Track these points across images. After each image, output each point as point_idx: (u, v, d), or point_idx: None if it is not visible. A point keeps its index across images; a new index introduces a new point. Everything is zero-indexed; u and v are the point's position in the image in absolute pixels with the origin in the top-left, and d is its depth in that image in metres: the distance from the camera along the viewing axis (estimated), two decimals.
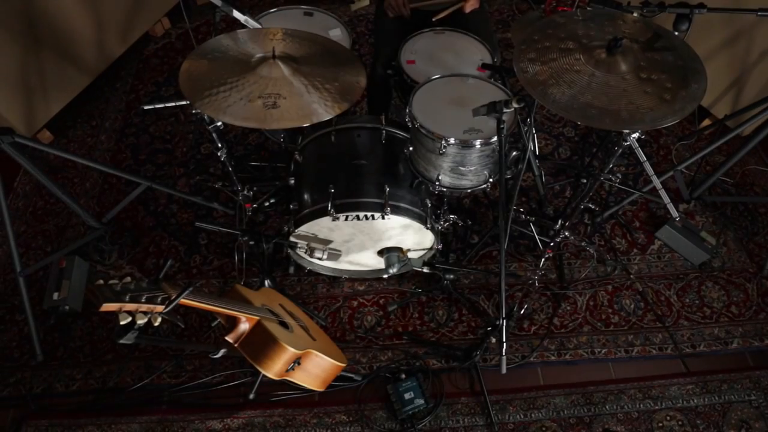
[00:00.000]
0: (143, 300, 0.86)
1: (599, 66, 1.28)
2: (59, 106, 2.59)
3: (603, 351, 1.97)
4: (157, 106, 1.62)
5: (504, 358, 1.54)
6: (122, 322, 0.83)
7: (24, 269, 1.82)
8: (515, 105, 1.19)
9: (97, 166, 1.87)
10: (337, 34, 1.99)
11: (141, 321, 0.87)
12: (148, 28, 3.04)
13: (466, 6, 1.99)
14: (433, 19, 2.02)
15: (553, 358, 1.96)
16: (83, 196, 2.44)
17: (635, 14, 1.49)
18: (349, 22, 3.28)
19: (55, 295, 1.97)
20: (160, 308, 0.89)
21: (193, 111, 1.59)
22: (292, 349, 1.30)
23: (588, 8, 1.58)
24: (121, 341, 0.90)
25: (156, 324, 0.89)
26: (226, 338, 1.26)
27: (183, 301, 0.93)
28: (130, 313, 0.85)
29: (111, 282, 0.85)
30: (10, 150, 1.57)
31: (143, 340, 0.97)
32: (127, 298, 0.84)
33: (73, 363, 1.96)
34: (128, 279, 0.89)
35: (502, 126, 1.26)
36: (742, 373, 1.90)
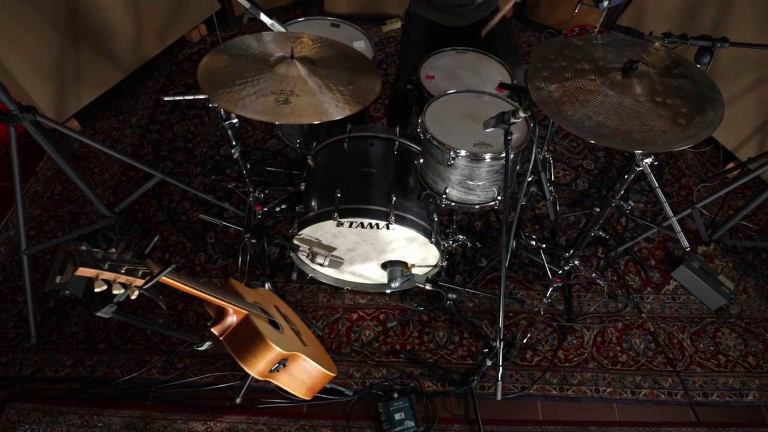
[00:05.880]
0: (123, 271, 0.85)
1: (614, 87, 1.26)
2: (90, 98, 2.68)
3: (608, 390, 1.86)
4: (176, 98, 1.66)
5: (500, 383, 1.46)
6: (97, 290, 0.82)
7: (29, 248, 1.84)
8: (522, 114, 1.17)
9: (113, 153, 1.90)
10: (360, 45, 2.02)
11: (117, 291, 0.85)
12: (185, 33, 3.16)
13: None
14: (483, 33, 2.03)
15: (554, 392, 1.86)
16: (100, 186, 2.49)
17: (657, 44, 1.46)
18: (380, 42, 3.34)
19: (58, 279, 1.97)
20: (139, 282, 0.88)
21: (209, 105, 1.62)
22: (277, 348, 1.26)
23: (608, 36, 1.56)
24: (98, 314, 0.88)
25: (133, 297, 0.87)
26: (212, 329, 1.24)
27: (164, 279, 0.91)
28: (107, 282, 0.84)
29: (94, 249, 0.84)
30: (31, 128, 1.61)
31: (121, 317, 0.95)
32: (106, 266, 0.83)
33: (66, 349, 1.95)
34: (113, 250, 0.88)
35: (509, 138, 1.23)
36: (756, 429, 1.78)
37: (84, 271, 0.79)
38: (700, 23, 2.45)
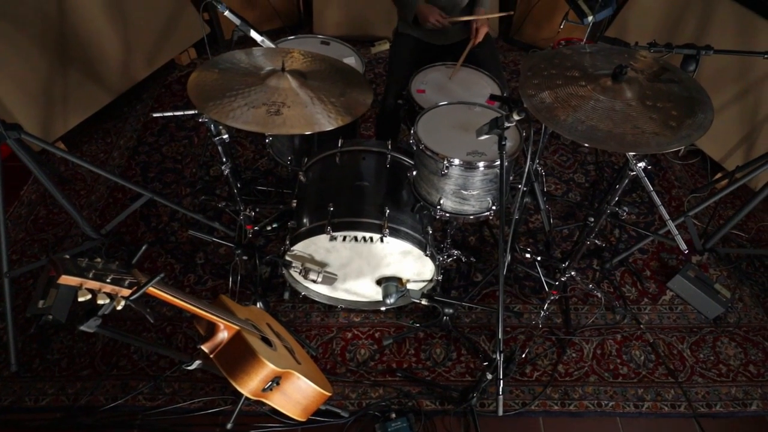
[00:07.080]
0: (108, 281, 0.81)
1: (604, 92, 1.27)
2: (77, 120, 2.65)
3: (610, 404, 1.82)
4: (166, 113, 1.63)
5: (500, 397, 1.41)
6: (80, 299, 0.78)
7: (11, 270, 1.78)
8: (516, 117, 1.17)
9: (100, 172, 1.87)
10: (351, 61, 2.03)
11: (102, 301, 0.81)
12: (174, 56, 3.16)
13: (476, 39, 2.00)
14: (458, 64, 2.01)
15: (556, 407, 1.81)
16: (87, 209, 2.43)
17: (643, 52, 1.48)
18: (368, 63, 3.37)
19: (41, 303, 1.89)
20: (126, 292, 0.83)
21: (200, 120, 1.60)
22: (271, 365, 1.21)
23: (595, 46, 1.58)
24: (82, 328, 0.83)
25: (119, 308, 0.83)
26: (202, 347, 1.19)
27: (152, 290, 0.87)
28: (91, 291, 0.79)
29: (79, 258, 0.80)
30: (15, 146, 1.57)
31: (107, 331, 0.90)
32: (91, 275, 0.79)
33: (47, 377, 1.86)
34: (98, 259, 0.84)
35: (504, 142, 1.23)
36: None
37: (67, 279, 0.75)
38: (681, 37, 2.52)
